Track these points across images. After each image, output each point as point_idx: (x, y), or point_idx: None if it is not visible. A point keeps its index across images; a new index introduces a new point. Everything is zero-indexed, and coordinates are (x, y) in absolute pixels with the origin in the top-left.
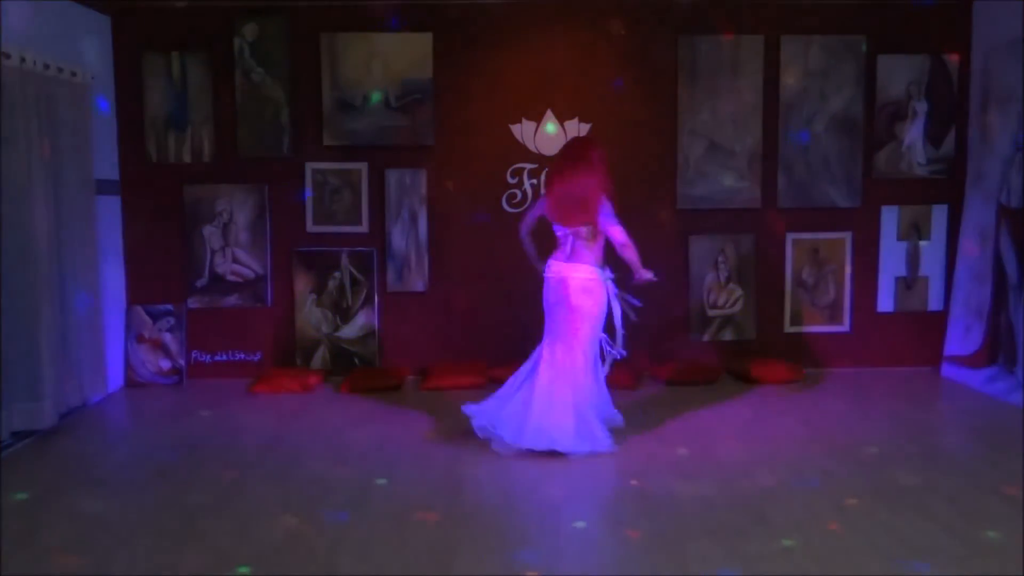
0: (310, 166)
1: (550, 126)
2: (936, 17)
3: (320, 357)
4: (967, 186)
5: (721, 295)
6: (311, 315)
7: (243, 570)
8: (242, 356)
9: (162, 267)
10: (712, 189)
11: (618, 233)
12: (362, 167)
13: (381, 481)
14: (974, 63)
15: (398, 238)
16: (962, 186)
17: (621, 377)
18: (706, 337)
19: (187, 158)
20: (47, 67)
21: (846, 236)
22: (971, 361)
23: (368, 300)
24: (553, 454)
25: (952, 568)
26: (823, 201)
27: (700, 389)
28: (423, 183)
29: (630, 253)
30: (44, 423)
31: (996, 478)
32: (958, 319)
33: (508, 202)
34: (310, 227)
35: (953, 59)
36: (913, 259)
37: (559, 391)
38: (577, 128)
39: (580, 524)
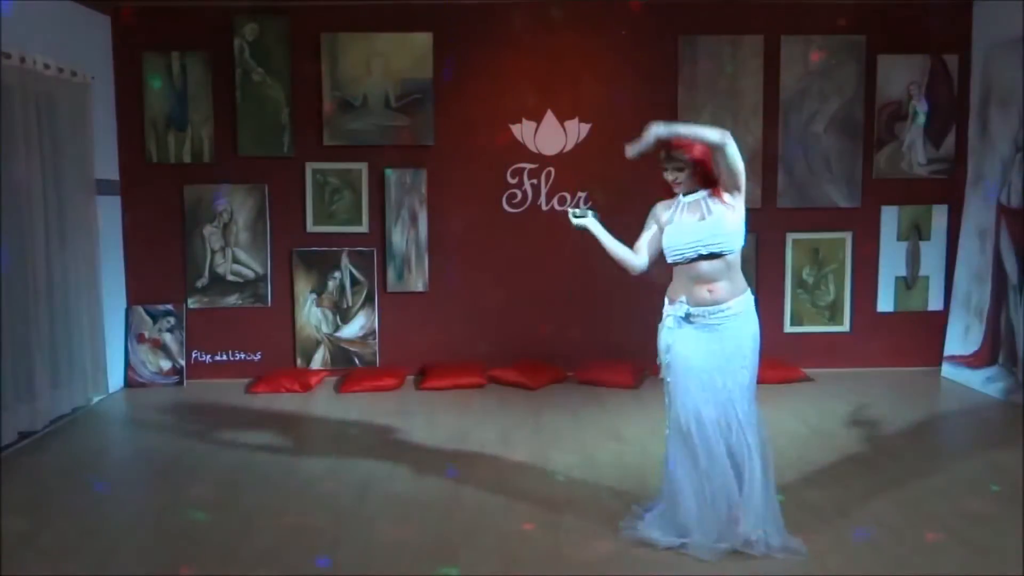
0: (310, 166)
1: None
2: (936, 17)
3: (320, 357)
4: (967, 186)
5: None
6: (311, 315)
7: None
8: (242, 356)
9: (162, 267)
10: None
11: None
12: (362, 167)
13: (380, 480)
14: (974, 63)
15: (398, 238)
16: (962, 186)
17: (621, 377)
18: None
19: (187, 158)
20: (47, 67)
21: (846, 236)
22: (971, 361)
23: (368, 300)
24: None
25: (952, 568)
26: (823, 201)
27: None
28: (423, 183)
29: None
30: (37, 424)
31: (995, 478)
32: (958, 319)
33: (508, 202)
34: (310, 227)
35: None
36: (913, 259)
37: None
38: (577, 128)
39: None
